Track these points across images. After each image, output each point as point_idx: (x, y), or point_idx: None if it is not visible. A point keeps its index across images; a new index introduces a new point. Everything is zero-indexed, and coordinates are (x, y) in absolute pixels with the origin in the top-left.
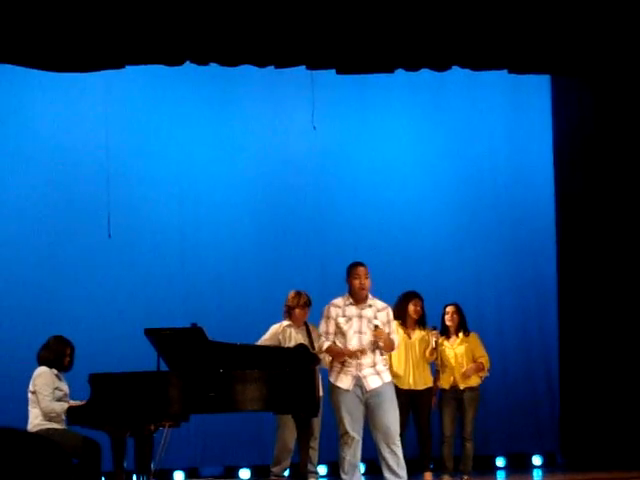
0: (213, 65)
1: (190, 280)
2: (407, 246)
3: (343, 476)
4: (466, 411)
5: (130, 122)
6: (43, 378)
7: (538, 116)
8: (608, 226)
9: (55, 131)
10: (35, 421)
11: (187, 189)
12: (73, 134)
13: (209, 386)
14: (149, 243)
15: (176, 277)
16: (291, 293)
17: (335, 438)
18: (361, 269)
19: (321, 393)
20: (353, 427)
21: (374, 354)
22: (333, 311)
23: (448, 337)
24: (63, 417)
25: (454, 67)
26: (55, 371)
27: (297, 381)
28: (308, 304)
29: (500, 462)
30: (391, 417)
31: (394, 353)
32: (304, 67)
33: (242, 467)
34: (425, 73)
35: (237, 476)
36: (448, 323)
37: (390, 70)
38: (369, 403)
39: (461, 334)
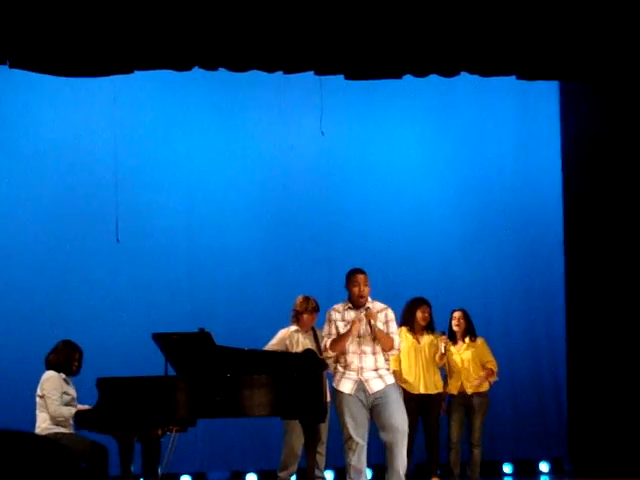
0: (222, 70)
1: (198, 285)
2: (415, 251)
3: None
4: (474, 417)
5: (138, 127)
6: (51, 382)
7: (546, 122)
8: (616, 231)
9: (64, 136)
10: (43, 425)
11: (195, 194)
12: (82, 139)
13: (216, 391)
14: (157, 248)
15: (184, 282)
16: (299, 298)
17: (342, 444)
18: (360, 276)
19: (328, 398)
20: (357, 432)
21: (375, 357)
22: (334, 315)
23: (455, 342)
24: (71, 421)
25: (462, 73)
26: (63, 375)
27: (304, 386)
28: (316, 309)
29: (507, 468)
30: (399, 418)
31: (404, 358)
32: (312, 73)
33: (249, 472)
34: (433, 79)
35: None
36: (455, 328)
37: (398, 76)
38: (374, 406)
39: (467, 339)
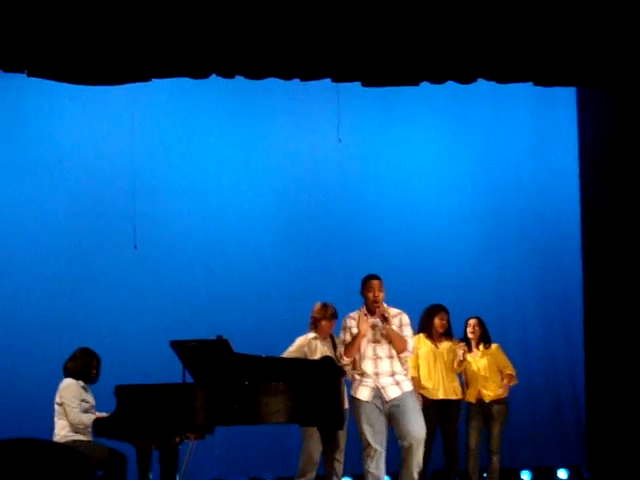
0: (238, 78)
1: (215, 292)
2: (432, 258)
3: None
4: (493, 424)
5: (156, 134)
6: (70, 390)
7: (564, 128)
8: (635, 237)
9: (81, 144)
10: (61, 432)
11: (212, 201)
12: (99, 147)
13: (234, 398)
14: (174, 255)
15: (201, 289)
16: (317, 305)
17: (360, 451)
18: (375, 282)
19: (347, 405)
20: (375, 439)
21: (391, 361)
22: (349, 322)
23: (470, 350)
24: (89, 429)
25: (479, 79)
26: (82, 383)
27: (322, 393)
28: (334, 316)
29: (525, 476)
30: (416, 425)
31: (422, 365)
32: (329, 80)
33: (267, 479)
34: (450, 85)
35: None
36: (470, 335)
37: (415, 83)
38: (391, 413)
39: (482, 347)
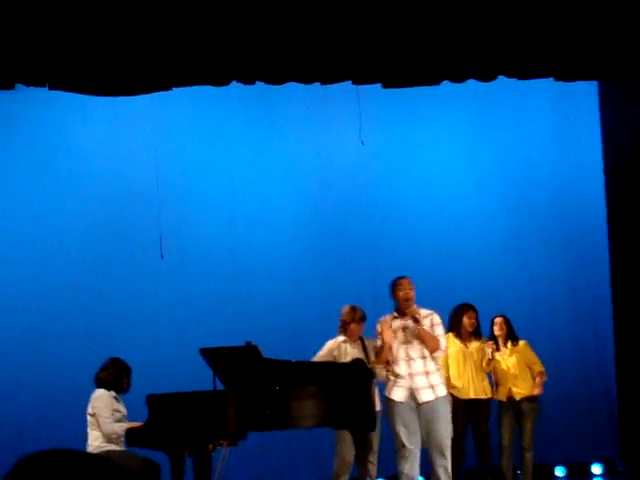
0: (259, 84)
1: (243, 298)
2: (458, 257)
3: None
4: (524, 422)
5: (179, 143)
6: (102, 401)
7: (586, 123)
8: None
9: (105, 155)
10: (95, 443)
11: (237, 208)
12: (123, 157)
13: (265, 404)
14: (201, 262)
15: (229, 296)
16: (346, 308)
17: (394, 452)
18: (404, 280)
19: (378, 407)
20: (410, 440)
21: (424, 361)
22: (379, 327)
23: (498, 348)
24: (122, 438)
25: (500, 77)
26: (113, 393)
27: (353, 396)
28: (363, 319)
29: (559, 472)
30: (444, 432)
31: (452, 364)
32: (350, 82)
33: None
34: (471, 84)
35: None
36: (497, 333)
37: (436, 82)
38: (422, 416)
39: (509, 344)
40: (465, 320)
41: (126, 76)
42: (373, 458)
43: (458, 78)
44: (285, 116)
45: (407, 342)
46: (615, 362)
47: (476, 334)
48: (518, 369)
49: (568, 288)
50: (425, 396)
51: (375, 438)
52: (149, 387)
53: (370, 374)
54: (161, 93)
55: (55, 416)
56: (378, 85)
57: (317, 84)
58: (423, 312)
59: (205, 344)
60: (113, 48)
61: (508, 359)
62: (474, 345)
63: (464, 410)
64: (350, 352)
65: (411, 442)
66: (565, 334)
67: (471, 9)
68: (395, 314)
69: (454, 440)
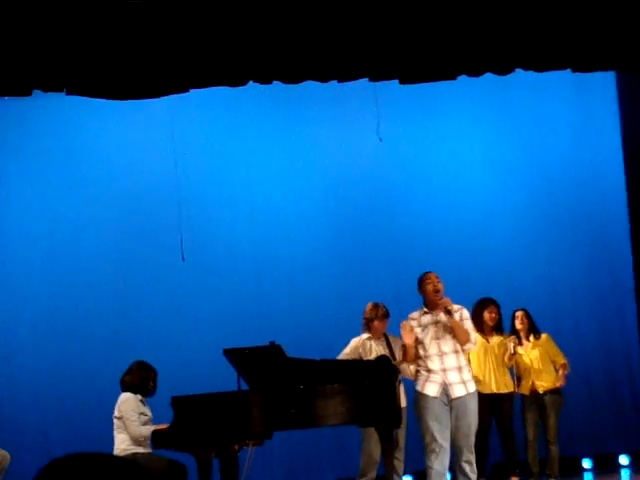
0: (276, 83)
1: (266, 298)
2: (480, 252)
3: None
4: (548, 415)
5: (197, 144)
6: (129, 404)
7: (605, 113)
8: None
9: (124, 158)
10: (121, 446)
11: (257, 207)
12: (142, 160)
13: (290, 403)
14: (223, 263)
15: (252, 296)
16: (369, 305)
17: (421, 449)
18: (432, 274)
19: (404, 404)
20: (442, 435)
21: (457, 356)
22: (409, 323)
23: (520, 343)
24: (148, 441)
25: (517, 70)
26: (139, 396)
27: (378, 393)
28: (386, 315)
29: (586, 464)
30: (472, 428)
31: (473, 359)
32: (367, 79)
33: None
34: (488, 77)
35: None
36: (519, 327)
37: (453, 77)
38: (453, 412)
39: (532, 338)
40: (486, 315)
41: (143, 79)
42: (400, 455)
43: (475, 72)
44: (303, 115)
45: (439, 337)
46: None
47: (497, 329)
48: (541, 362)
49: (590, 280)
50: (458, 391)
51: (401, 435)
52: (173, 389)
53: (395, 371)
54: (178, 95)
55: (80, 420)
56: (395, 81)
57: (334, 82)
58: (453, 307)
59: (228, 345)
60: (129, 52)
61: (531, 352)
62: (495, 340)
63: (486, 405)
64: (375, 349)
65: (442, 437)
66: (588, 326)
67: (487, 2)
68: (425, 309)
69: (477, 435)
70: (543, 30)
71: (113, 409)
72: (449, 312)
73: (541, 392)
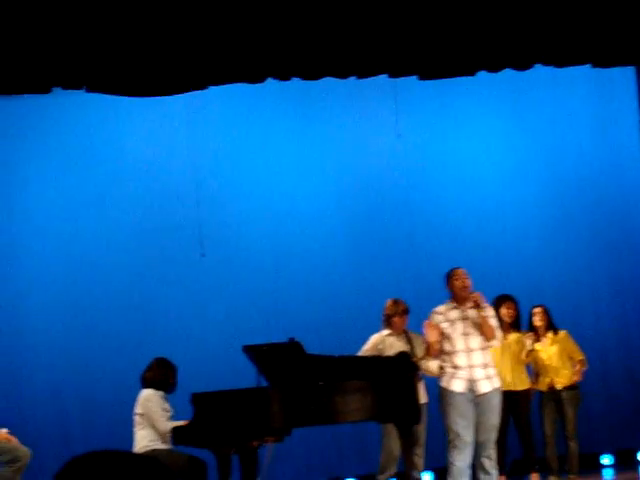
0: (295, 80)
1: (285, 294)
2: (499, 248)
3: None
4: (566, 411)
5: (216, 141)
6: (154, 401)
7: (624, 108)
8: None
9: (143, 156)
10: (142, 442)
11: (276, 204)
12: (161, 157)
13: (310, 399)
14: (242, 260)
15: (271, 292)
16: (389, 302)
17: (440, 445)
18: (460, 270)
19: (424, 400)
20: (467, 431)
21: (483, 353)
22: (435, 318)
23: (538, 339)
24: (168, 436)
25: (536, 65)
26: (162, 393)
27: (397, 389)
28: (406, 312)
29: (606, 460)
30: (495, 424)
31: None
32: (386, 76)
33: (348, 477)
34: (507, 73)
35: None
36: (538, 324)
37: (472, 73)
38: (478, 407)
39: (550, 334)
40: (503, 311)
41: (161, 77)
42: (420, 451)
43: (494, 68)
44: (321, 111)
45: (467, 333)
46: None
47: (515, 326)
48: (559, 359)
49: (610, 276)
50: (484, 387)
51: (421, 431)
52: (193, 385)
53: (414, 367)
54: (197, 92)
55: (100, 416)
56: (414, 78)
57: (353, 78)
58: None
59: (247, 341)
60: (148, 49)
61: (549, 349)
62: (512, 337)
63: (503, 402)
64: (395, 345)
65: (467, 434)
66: (608, 322)
67: None
68: (453, 304)
69: None
70: (563, 25)
71: (133, 405)
72: (478, 305)
73: (559, 388)
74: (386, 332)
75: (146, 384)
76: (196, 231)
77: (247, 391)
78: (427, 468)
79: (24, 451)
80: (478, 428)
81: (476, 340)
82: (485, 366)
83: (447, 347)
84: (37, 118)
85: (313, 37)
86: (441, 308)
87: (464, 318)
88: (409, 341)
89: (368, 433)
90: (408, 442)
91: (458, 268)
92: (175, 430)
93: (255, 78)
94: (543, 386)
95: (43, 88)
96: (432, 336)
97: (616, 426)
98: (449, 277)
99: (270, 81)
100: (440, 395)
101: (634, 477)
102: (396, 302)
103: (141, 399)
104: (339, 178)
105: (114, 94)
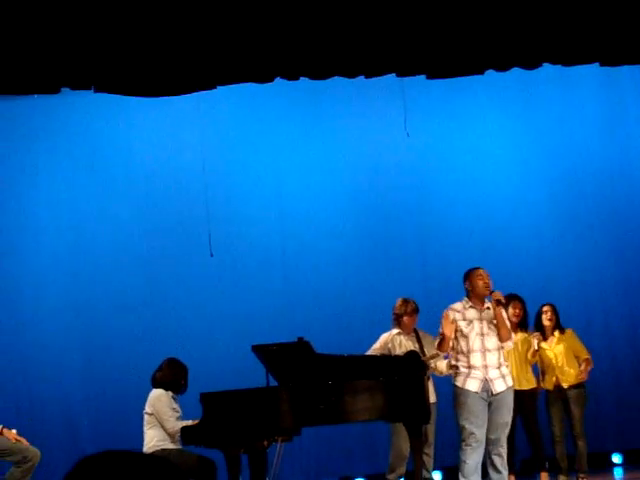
0: (303, 79)
1: (294, 294)
2: (508, 248)
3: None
4: (572, 410)
5: (225, 141)
6: (163, 401)
7: (632, 107)
8: None
9: (152, 155)
10: (152, 442)
11: (285, 204)
12: (170, 157)
13: (319, 399)
14: (251, 259)
15: (280, 292)
16: (398, 301)
17: (450, 444)
18: (482, 270)
19: (433, 399)
20: (480, 430)
21: (499, 353)
22: (451, 315)
23: (545, 338)
24: (178, 436)
25: (544, 64)
26: (171, 393)
27: (406, 389)
28: (416, 311)
29: (616, 459)
30: (507, 422)
31: None
32: (394, 75)
33: (357, 477)
34: (515, 72)
35: None
36: (546, 322)
37: (480, 72)
38: (492, 406)
39: (557, 333)
40: (510, 311)
41: (170, 76)
42: (429, 450)
43: (502, 67)
44: (330, 111)
45: (483, 334)
46: None
47: (522, 325)
48: (565, 357)
49: (618, 275)
50: (499, 386)
51: (431, 430)
52: (202, 385)
53: (424, 366)
54: (206, 92)
55: (110, 416)
56: (422, 76)
57: (361, 77)
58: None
59: (257, 340)
60: (157, 49)
61: (555, 348)
62: (519, 336)
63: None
64: (405, 344)
65: (480, 433)
66: (617, 321)
67: None
68: (470, 303)
69: None
70: (570, 24)
71: (143, 405)
72: (501, 303)
73: (565, 387)
74: (396, 331)
75: (156, 384)
76: (205, 231)
77: (256, 391)
78: (436, 467)
79: (34, 451)
80: (490, 426)
81: (492, 341)
82: (500, 366)
83: (463, 346)
84: (46, 118)
85: (321, 37)
86: (458, 305)
87: (481, 318)
88: (419, 340)
89: (377, 433)
90: (418, 442)
91: (479, 267)
92: (184, 430)
93: (263, 78)
94: (549, 385)
95: (52, 88)
96: (449, 330)
97: (626, 425)
98: (471, 276)
99: (279, 81)
100: (454, 394)
101: None
102: (406, 301)
103: (151, 398)
104: (348, 178)
105: (122, 94)
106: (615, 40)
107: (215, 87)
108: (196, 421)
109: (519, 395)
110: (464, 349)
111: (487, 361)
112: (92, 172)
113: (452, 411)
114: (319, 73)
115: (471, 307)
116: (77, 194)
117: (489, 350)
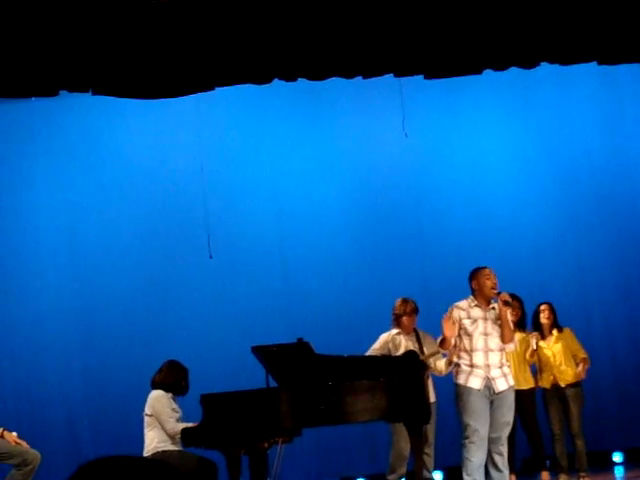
0: (301, 80)
1: (293, 295)
2: (507, 247)
3: (466, 478)
4: (570, 408)
5: (223, 142)
6: (162, 402)
7: (632, 106)
8: None
9: (151, 157)
10: (152, 444)
11: (284, 204)
12: (168, 159)
13: (319, 399)
14: (250, 261)
15: (279, 293)
16: (398, 301)
17: (450, 444)
18: (489, 269)
19: (433, 399)
20: (483, 428)
21: (501, 354)
22: (456, 313)
23: (543, 337)
24: (178, 437)
25: (542, 63)
26: (170, 394)
27: (406, 389)
28: (415, 311)
29: (617, 457)
30: (509, 421)
31: None
32: (392, 75)
33: (357, 477)
34: (513, 71)
35: None
36: (544, 321)
37: (478, 71)
38: (494, 405)
39: (555, 332)
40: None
41: (168, 78)
42: (429, 450)
43: (500, 66)
44: (328, 111)
45: (487, 334)
46: None
47: (519, 325)
48: (563, 356)
49: (618, 274)
50: (501, 385)
51: (431, 430)
52: (202, 387)
53: (423, 366)
54: (204, 94)
55: (110, 418)
56: (420, 76)
57: (359, 78)
58: (496, 306)
59: (256, 342)
60: (155, 51)
61: (553, 346)
62: (517, 336)
63: None
64: (404, 344)
65: (483, 431)
66: (617, 319)
67: None
68: (475, 302)
69: None
70: (568, 23)
71: (143, 407)
72: (508, 304)
73: (563, 385)
74: (395, 331)
75: (156, 386)
76: (204, 232)
77: (256, 392)
78: (436, 467)
79: (34, 454)
80: (492, 425)
81: (495, 341)
82: (501, 366)
83: (466, 344)
84: (44, 121)
85: (319, 37)
86: (463, 304)
87: (486, 318)
88: (418, 340)
89: (378, 433)
90: (418, 442)
91: (486, 267)
92: (185, 432)
93: (262, 79)
94: (546, 383)
95: (50, 91)
96: (450, 330)
97: (626, 424)
98: (478, 275)
99: (277, 82)
100: (457, 392)
101: None
102: (405, 301)
103: (150, 399)
104: (346, 178)
105: (120, 96)
106: (613, 39)
107: (213, 88)
108: (196, 423)
109: (517, 395)
110: (467, 347)
111: (489, 360)
112: (91, 174)
113: (452, 410)
114: (317, 74)
115: (476, 306)
116: (75, 196)
117: (492, 350)
